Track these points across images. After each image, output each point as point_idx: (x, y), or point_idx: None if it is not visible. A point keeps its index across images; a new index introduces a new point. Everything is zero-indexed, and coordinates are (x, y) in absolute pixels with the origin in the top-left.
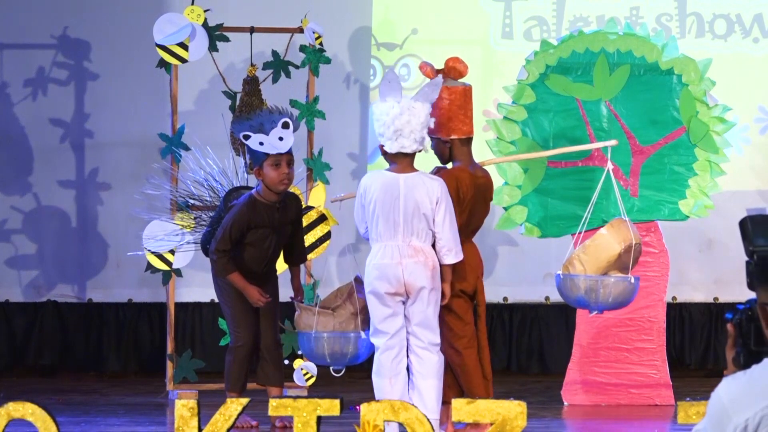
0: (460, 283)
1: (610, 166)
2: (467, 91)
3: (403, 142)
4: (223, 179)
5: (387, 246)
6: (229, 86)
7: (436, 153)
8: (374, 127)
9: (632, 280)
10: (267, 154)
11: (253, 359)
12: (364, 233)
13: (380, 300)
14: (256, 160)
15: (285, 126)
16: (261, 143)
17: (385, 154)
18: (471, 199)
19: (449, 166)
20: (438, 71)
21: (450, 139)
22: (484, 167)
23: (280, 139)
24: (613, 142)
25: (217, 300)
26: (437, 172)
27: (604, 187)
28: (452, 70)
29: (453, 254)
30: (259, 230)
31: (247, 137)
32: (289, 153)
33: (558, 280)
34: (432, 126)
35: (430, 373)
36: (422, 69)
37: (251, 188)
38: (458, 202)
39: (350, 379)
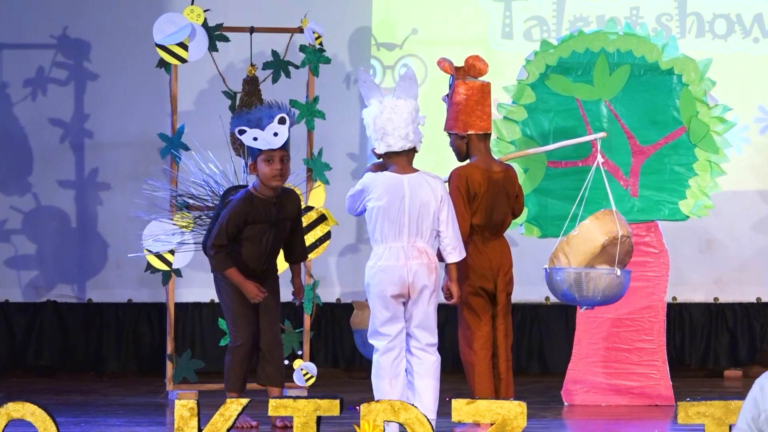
0: (481, 281)
1: (600, 159)
2: (485, 87)
3: (389, 140)
4: (223, 181)
5: (391, 247)
6: (229, 86)
7: (453, 149)
8: (366, 132)
9: (618, 273)
10: (260, 150)
11: (252, 359)
12: (350, 208)
13: (384, 302)
14: (251, 156)
15: (281, 121)
16: (255, 138)
17: (380, 158)
18: (486, 195)
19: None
20: (458, 68)
21: (467, 135)
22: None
23: (275, 134)
24: (601, 135)
25: (217, 300)
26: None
27: (602, 185)
28: (472, 68)
29: (457, 252)
30: (257, 226)
31: (242, 132)
32: (283, 149)
33: (545, 274)
34: (449, 122)
35: (428, 374)
36: (440, 64)
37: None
38: (470, 199)
39: (350, 379)
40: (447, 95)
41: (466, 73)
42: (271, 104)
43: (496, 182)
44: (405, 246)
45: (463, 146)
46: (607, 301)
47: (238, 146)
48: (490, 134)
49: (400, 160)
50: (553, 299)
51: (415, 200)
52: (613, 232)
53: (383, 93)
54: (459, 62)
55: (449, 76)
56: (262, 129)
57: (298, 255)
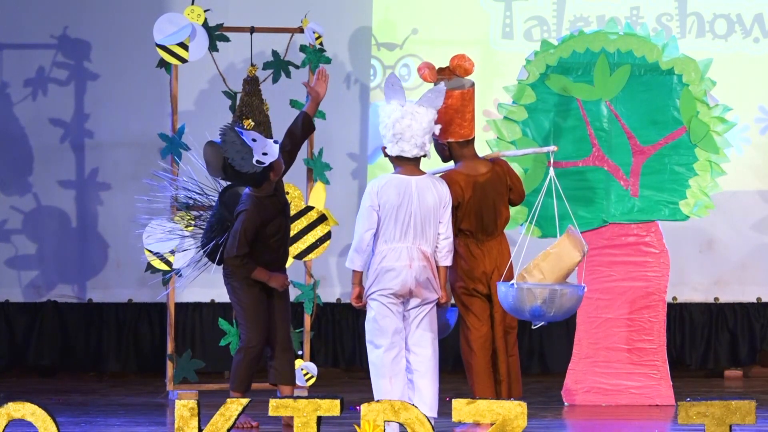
0: (474, 284)
1: (551, 172)
2: (465, 94)
3: (404, 146)
4: (220, 181)
5: (396, 248)
6: (230, 86)
7: (436, 151)
8: (379, 128)
9: (585, 289)
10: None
11: (260, 360)
12: (367, 243)
13: (386, 301)
14: (268, 171)
15: (249, 127)
16: (265, 153)
17: (388, 156)
18: (472, 200)
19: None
20: (443, 69)
21: (447, 143)
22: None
23: (254, 140)
24: (552, 148)
25: (218, 300)
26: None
27: (603, 187)
28: (458, 68)
29: (451, 256)
30: (275, 222)
31: (260, 162)
32: None
33: (513, 290)
34: (436, 131)
35: (428, 371)
36: (419, 72)
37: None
38: (454, 207)
39: (350, 379)
40: None
41: (452, 73)
42: (224, 131)
43: (482, 186)
44: (409, 247)
45: (444, 152)
46: (565, 317)
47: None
48: (473, 138)
49: (410, 163)
50: None
51: (423, 203)
52: (584, 248)
53: (405, 98)
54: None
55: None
56: (251, 146)
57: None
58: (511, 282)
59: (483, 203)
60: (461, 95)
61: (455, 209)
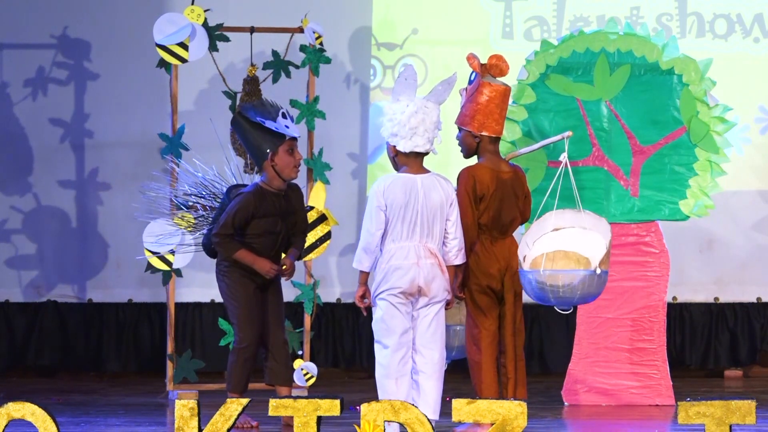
0: (488, 280)
1: (564, 158)
2: (507, 91)
3: (417, 140)
4: (218, 180)
5: (403, 247)
6: (229, 86)
7: (460, 143)
8: (385, 127)
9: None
10: (283, 140)
11: (256, 360)
12: (376, 243)
13: (395, 300)
14: (272, 146)
15: (284, 116)
16: (287, 126)
17: (395, 156)
18: (494, 195)
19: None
20: (482, 65)
21: (480, 135)
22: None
23: (287, 127)
24: (567, 134)
25: (218, 300)
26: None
27: (603, 187)
28: (494, 68)
29: (462, 255)
30: (269, 219)
31: (264, 120)
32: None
33: (599, 276)
34: (463, 118)
35: (434, 374)
36: (470, 60)
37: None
38: (476, 200)
39: (350, 379)
40: (464, 89)
41: (487, 72)
42: (264, 102)
43: (504, 182)
44: (417, 246)
45: (473, 144)
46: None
47: (239, 146)
48: (500, 138)
49: (417, 161)
50: None
51: (428, 201)
52: None
53: (415, 94)
54: (463, 62)
55: (471, 71)
56: (274, 121)
57: (297, 243)
58: (593, 268)
59: (503, 201)
60: (504, 91)
61: (478, 202)
